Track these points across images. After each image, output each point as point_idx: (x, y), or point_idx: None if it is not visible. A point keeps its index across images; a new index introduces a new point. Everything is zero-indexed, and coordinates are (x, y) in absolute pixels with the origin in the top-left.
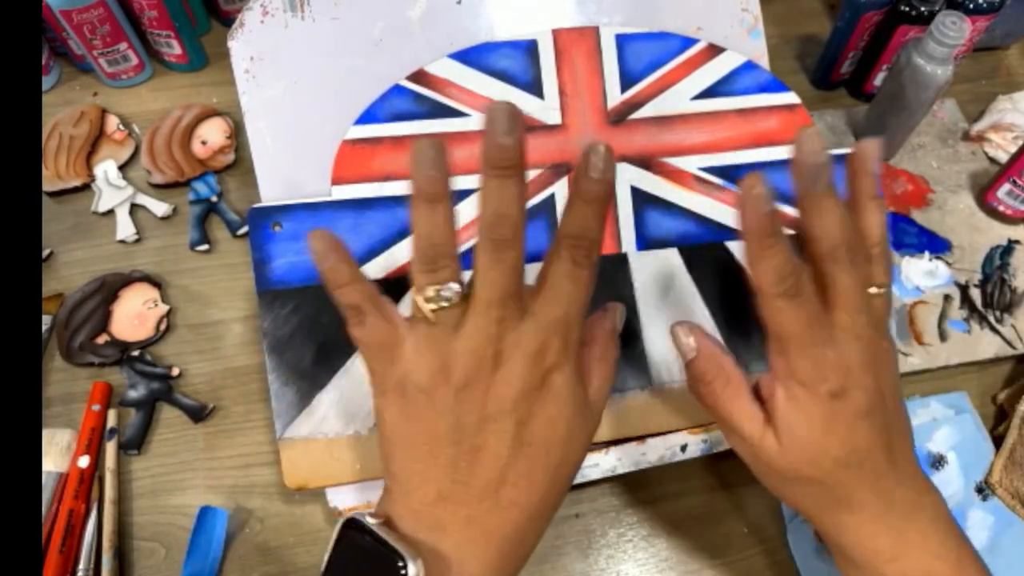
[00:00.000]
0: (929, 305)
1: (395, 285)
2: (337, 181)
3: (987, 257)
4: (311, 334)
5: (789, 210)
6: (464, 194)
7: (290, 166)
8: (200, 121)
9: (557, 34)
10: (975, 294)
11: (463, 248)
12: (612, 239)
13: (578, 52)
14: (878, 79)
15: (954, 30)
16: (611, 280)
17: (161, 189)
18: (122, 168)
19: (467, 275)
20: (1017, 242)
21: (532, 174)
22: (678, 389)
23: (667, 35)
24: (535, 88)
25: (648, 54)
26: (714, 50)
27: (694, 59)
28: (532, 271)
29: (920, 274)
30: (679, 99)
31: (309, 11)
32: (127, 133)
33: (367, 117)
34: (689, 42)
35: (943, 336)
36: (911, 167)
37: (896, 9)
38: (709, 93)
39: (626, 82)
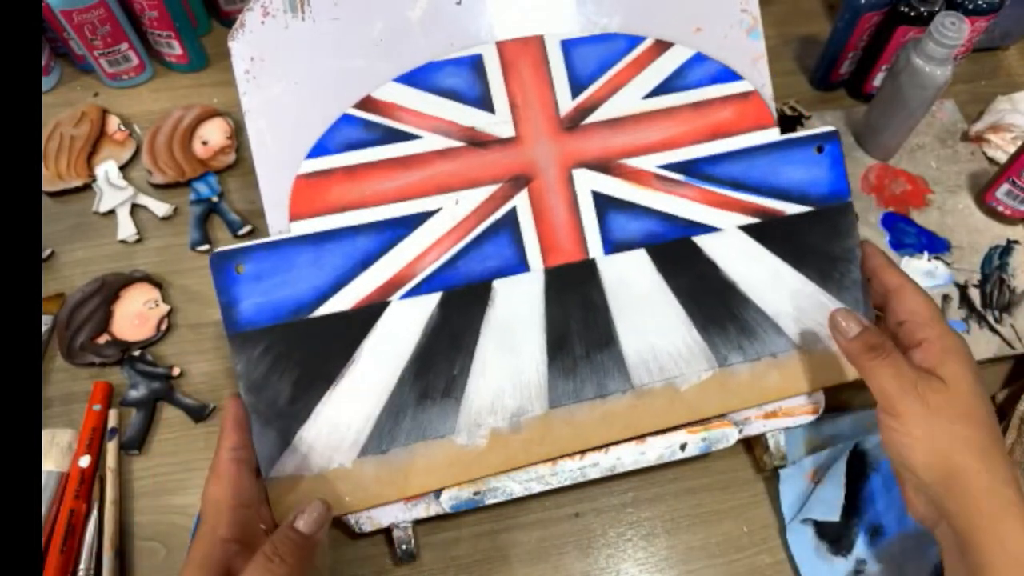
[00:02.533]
0: None
1: (363, 315)
2: (295, 217)
3: (986, 257)
4: (286, 371)
5: (749, 197)
6: (424, 216)
7: (291, 167)
8: (201, 121)
9: (501, 46)
10: (974, 294)
11: (430, 270)
12: (578, 246)
13: (524, 63)
14: (877, 79)
15: (953, 31)
16: (580, 287)
17: (162, 189)
18: (123, 168)
19: (432, 298)
20: (1016, 242)
21: (491, 189)
22: (659, 388)
23: (613, 36)
24: (485, 103)
25: (595, 57)
26: (662, 46)
27: (642, 57)
28: (502, 286)
29: (919, 274)
30: (631, 99)
31: (309, 12)
32: (128, 133)
33: (318, 150)
34: (635, 40)
35: None
36: (910, 167)
37: (895, 10)
38: (661, 90)
39: (576, 87)
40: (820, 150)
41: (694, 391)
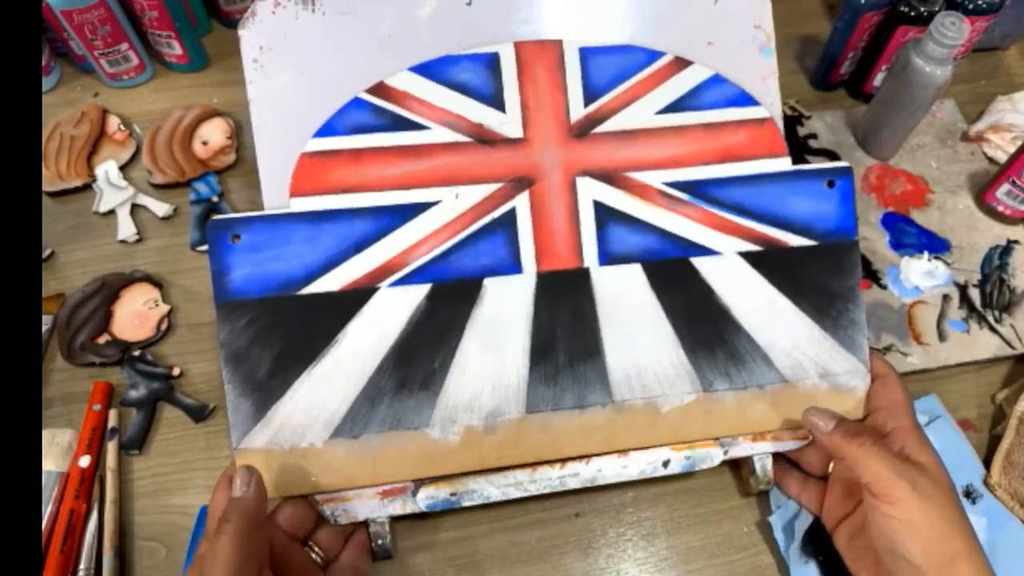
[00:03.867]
0: (928, 305)
1: (351, 297)
2: (296, 193)
3: (986, 257)
4: (268, 345)
5: (753, 224)
6: (423, 207)
7: (292, 157)
8: (201, 121)
9: (519, 47)
10: (974, 294)
11: (422, 261)
12: (573, 253)
13: (540, 65)
14: (878, 79)
15: (953, 31)
16: (571, 295)
17: (162, 189)
18: (123, 168)
19: (421, 288)
20: (1016, 242)
21: (493, 187)
22: (640, 406)
23: (632, 48)
24: (496, 102)
25: (612, 67)
26: (681, 63)
27: (659, 72)
28: (492, 285)
29: (919, 274)
30: (644, 113)
31: (320, 4)
32: (128, 133)
33: (326, 130)
34: (655, 55)
35: (942, 336)
36: (910, 167)
37: (895, 10)
38: (675, 107)
39: (589, 96)
40: (831, 185)
41: (676, 413)
